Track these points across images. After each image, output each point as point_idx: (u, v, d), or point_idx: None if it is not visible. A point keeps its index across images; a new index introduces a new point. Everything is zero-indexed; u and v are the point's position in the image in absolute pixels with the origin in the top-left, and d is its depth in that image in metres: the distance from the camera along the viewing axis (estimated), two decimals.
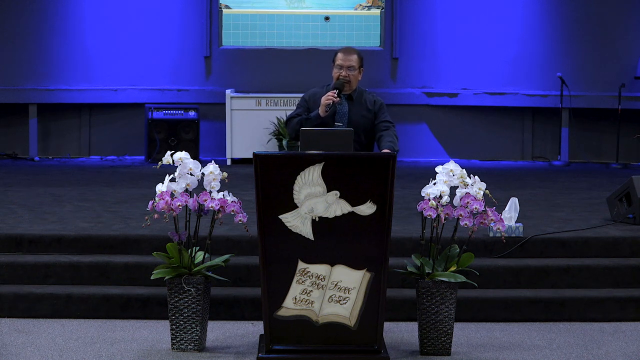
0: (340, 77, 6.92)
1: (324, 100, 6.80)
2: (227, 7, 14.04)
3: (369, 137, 6.97)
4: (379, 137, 6.96)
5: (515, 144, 14.17)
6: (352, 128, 6.69)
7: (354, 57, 6.96)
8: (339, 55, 6.99)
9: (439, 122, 14.11)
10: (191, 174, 6.34)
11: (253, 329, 6.93)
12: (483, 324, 7.10)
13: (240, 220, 6.34)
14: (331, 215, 6.03)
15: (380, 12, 14.00)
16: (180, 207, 6.27)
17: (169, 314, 6.37)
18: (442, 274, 6.33)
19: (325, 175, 6.01)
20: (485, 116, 14.11)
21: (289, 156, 6.22)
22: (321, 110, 6.82)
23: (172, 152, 6.40)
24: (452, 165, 6.33)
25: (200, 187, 6.38)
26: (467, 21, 13.92)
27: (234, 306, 7.16)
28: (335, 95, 6.80)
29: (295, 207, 6.03)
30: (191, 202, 6.31)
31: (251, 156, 6.06)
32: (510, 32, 13.94)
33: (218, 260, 6.46)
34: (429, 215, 6.22)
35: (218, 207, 6.28)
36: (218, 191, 6.33)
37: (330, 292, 6.07)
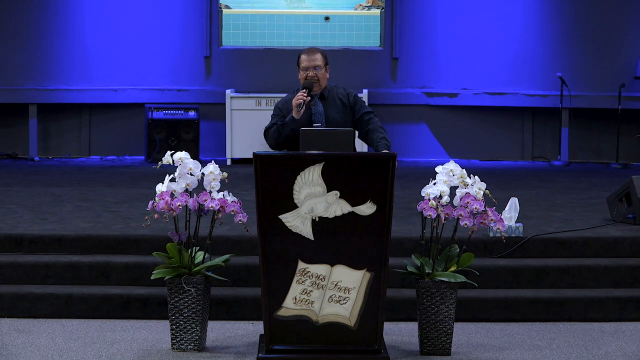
0: (308, 77, 6.90)
1: (295, 101, 6.78)
2: (227, 7, 14.04)
3: None
4: (366, 132, 6.93)
5: (515, 144, 14.17)
6: (332, 126, 6.71)
7: (318, 55, 6.93)
8: (303, 57, 6.95)
9: (439, 122, 14.11)
10: (191, 174, 6.34)
11: (253, 329, 6.93)
12: (483, 324, 7.10)
13: (240, 220, 6.34)
14: (331, 215, 6.04)
15: (380, 12, 14.00)
16: (180, 207, 6.28)
17: (169, 314, 6.38)
18: (442, 274, 6.33)
19: (325, 175, 6.01)
20: (485, 116, 14.11)
21: (289, 156, 6.22)
22: (294, 113, 6.80)
23: (172, 152, 6.40)
24: (452, 165, 6.33)
25: (200, 187, 6.38)
26: (467, 21, 13.92)
27: (234, 306, 7.16)
28: (305, 94, 6.79)
29: (295, 207, 6.03)
30: (191, 202, 6.31)
31: (251, 156, 6.06)
32: (510, 32, 13.94)
33: (218, 260, 6.46)
34: (429, 215, 6.22)
35: (218, 207, 6.29)
36: (218, 191, 6.33)
37: (330, 292, 6.07)
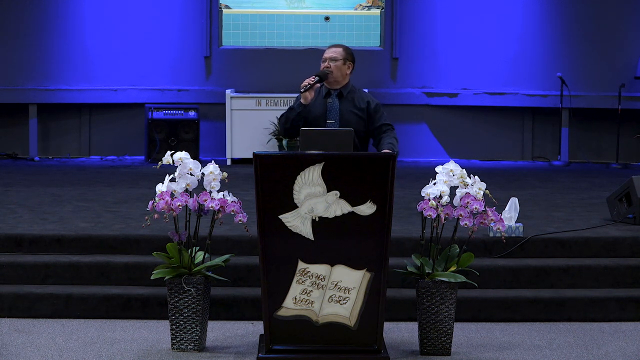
0: (324, 68, 6.93)
1: (302, 85, 6.83)
2: (227, 7, 14.04)
3: (360, 137, 6.90)
4: (378, 140, 6.93)
5: (515, 144, 14.17)
6: (345, 125, 6.72)
7: (338, 49, 6.96)
8: (326, 49, 7.02)
9: (439, 122, 14.11)
10: (191, 174, 6.34)
11: (253, 329, 6.93)
12: (483, 324, 7.10)
13: (240, 220, 6.34)
14: (331, 215, 6.04)
15: (380, 12, 14.00)
16: (180, 207, 6.28)
17: (169, 314, 6.38)
18: (442, 274, 6.33)
19: (325, 175, 6.01)
20: (485, 116, 14.11)
21: (289, 156, 6.22)
22: (302, 98, 6.83)
23: (172, 152, 6.40)
24: (452, 165, 6.33)
25: (200, 187, 6.38)
26: (467, 21, 13.92)
27: (234, 306, 7.16)
28: (313, 80, 6.80)
29: (295, 207, 6.03)
30: (191, 202, 6.31)
31: (251, 156, 6.06)
32: (510, 32, 13.94)
33: (218, 260, 6.46)
34: (429, 215, 6.22)
35: (218, 207, 6.29)
36: (218, 191, 6.33)
37: (330, 292, 6.07)
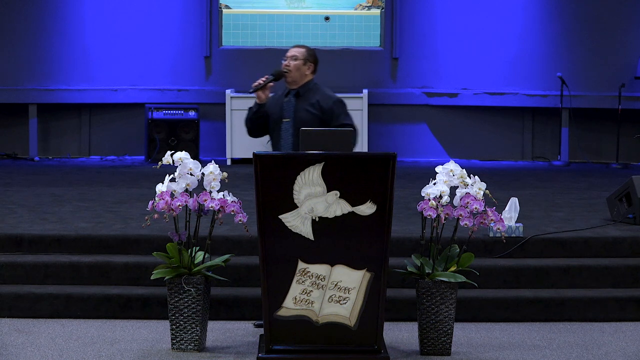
0: (284, 67, 6.96)
1: (253, 85, 6.89)
2: (227, 7, 14.04)
3: None
4: None
5: (515, 144, 14.16)
6: (299, 124, 6.74)
7: (300, 49, 7.01)
8: (289, 49, 7.07)
9: (439, 122, 14.10)
10: (191, 174, 6.34)
11: (253, 329, 6.93)
12: (483, 324, 7.10)
13: (240, 220, 6.34)
14: (331, 215, 6.04)
15: (380, 12, 14.00)
16: (180, 207, 6.28)
17: (169, 314, 6.38)
18: (442, 274, 6.33)
19: (325, 175, 6.01)
20: (485, 116, 14.10)
21: (289, 156, 6.22)
22: (257, 98, 6.89)
23: (172, 152, 6.40)
24: (452, 165, 6.33)
25: (200, 187, 6.38)
26: (467, 21, 13.91)
27: (234, 306, 7.16)
28: (267, 78, 6.84)
29: (295, 207, 6.03)
30: (191, 202, 6.31)
31: (251, 156, 6.06)
32: (510, 32, 13.94)
33: (218, 260, 6.47)
34: (429, 215, 6.23)
35: (218, 207, 6.29)
36: (218, 191, 6.33)
37: (330, 292, 6.07)
